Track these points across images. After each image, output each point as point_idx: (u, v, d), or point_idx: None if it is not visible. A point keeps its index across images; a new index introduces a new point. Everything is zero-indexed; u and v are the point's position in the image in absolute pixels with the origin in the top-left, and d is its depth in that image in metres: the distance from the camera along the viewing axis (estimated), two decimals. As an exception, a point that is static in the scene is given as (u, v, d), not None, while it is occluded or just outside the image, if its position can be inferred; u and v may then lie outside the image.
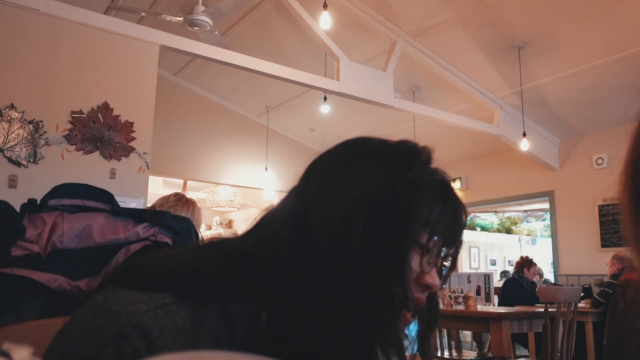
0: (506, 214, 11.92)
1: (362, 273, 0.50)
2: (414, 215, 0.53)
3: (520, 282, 4.87)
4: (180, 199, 1.99)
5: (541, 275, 6.29)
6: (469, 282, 4.34)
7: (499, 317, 3.38)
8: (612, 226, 5.46)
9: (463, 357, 4.01)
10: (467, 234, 10.71)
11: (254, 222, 0.60)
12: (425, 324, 0.61)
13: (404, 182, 0.54)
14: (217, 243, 0.58)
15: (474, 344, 4.83)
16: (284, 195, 0.61)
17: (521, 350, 5.48)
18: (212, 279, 0.52)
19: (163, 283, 0.50)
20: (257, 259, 0.53)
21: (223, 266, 0.53)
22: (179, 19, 3.69)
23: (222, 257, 0.55)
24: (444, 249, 0.59)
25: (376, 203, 0.52)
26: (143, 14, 4.43)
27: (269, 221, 0.58)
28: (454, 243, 0.59)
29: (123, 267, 0.54)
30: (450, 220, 0.57)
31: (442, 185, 0.57)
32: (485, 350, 4.24)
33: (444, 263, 0.60)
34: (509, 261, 11.35)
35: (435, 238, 0.56)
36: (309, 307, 0.50)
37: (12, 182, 2.81)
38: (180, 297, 0.49)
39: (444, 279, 0.60)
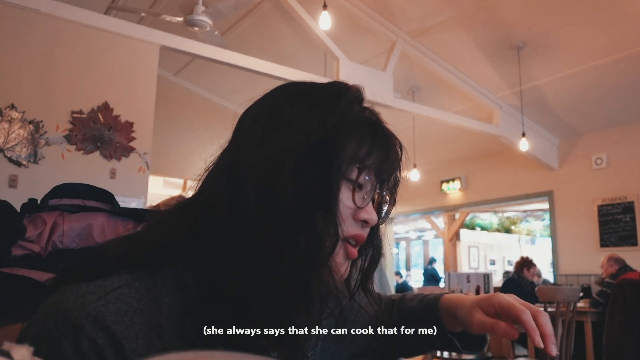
0: (505, 214, 11.92)
1: (291, 214, 0.50)
2: (341, 152, 0.53)
3: (519, 282, 4.88)
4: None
5: (539, 276, 6.30)
6: (469, 282, 4.35)
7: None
8: (611, 226, 5.46)
9: (463, 357, 4.02)
10: (466, 234, 10.72)
11: (201, 177, 0.60)
12: (367, 258, 0.61)
13: (330, 119, 0.54)
14: (166, 212, 0.58)
15: (474, 343, 4.82)
16: None
17: (521, 350, 5.48)
18: (158, 243, 0.52)
19: (111, 267, 0.49)
20: (197, 214, 0.54)
21: (167, 225, 0.54)
22: (179, 19, 3.69)
23: (167, 218, 0.56)
24: (382, 185, 0.59)
25: (304, 142, 0.52)
26: (143, 14, 4.44)
27: (208, 175, 0.59)
28: (389, 177, 0.59)
29: (69, 265, 0.52)
30: (381, 156, 0.56)
31: (369, 121, 0.57)
32: (485, 350, 4.24)
33: (383, 200, 0.60)
34: (508, 261, 11.36)
35: (366, 173, 0.55)
36: (245, 252, 0.50)
37: (13, 182, 2.82)
38: (131, 275, 0.49)
39: (386, 214, 0.60)
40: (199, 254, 0.52)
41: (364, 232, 0.57)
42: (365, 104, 0.61)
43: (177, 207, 0.58)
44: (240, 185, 0.52)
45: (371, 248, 0.61)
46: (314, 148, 0.52)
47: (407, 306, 0.75)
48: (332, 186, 0.52)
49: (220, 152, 0.60)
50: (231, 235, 0.51)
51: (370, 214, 0.56)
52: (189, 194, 0.60)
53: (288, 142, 0.52)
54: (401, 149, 0.59)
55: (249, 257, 0.50)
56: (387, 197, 0.60)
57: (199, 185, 0.59)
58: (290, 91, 0.59)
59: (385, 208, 0.61)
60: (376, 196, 0.59)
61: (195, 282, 0.51)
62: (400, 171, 0.60)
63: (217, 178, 0.56)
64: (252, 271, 0.50)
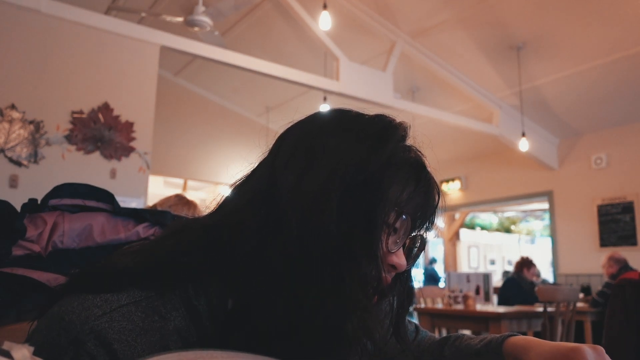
0: (505, 214, 11.92)
1: (335, 252, 0.48)
2: (385, 194, 0.51)
3: (519, 282, 4.88)
4: (181, 199, 2.01)
5: (538, 276, 6.31)
6: (468, 281, 4.35)
7: (498, 316, 3.39)
8: (611, 226, 5.46)
9: None
10: (466, 234, 10.72)
11: (223, 197, 0.57)
12: (399, 304, 0.59)
13: (377, 160, 0.52)
14: (184, 225, 0.55)
15: (474, 343, 4.82)
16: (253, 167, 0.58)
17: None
18: (173, 262, 0.50)
19: (120, 283, 0.48)
20: (222, 233, 0.51)
21: (186, 245, 0.52)
22: (179, 19, 3.70)
23: (185, 236, 0.53)
24: (415, 230, 0.57)
25: (350, 180, 0.50)
26: (143, 14, 4.44)
27: (237, 194, 0.55)
28: (424, 224, 0.57)
29: (80, 272, 0.50)
30: (421, 201, 0.55)
31: (414, 164, 0.55)
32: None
33: (414, 244, 0.58)
34: (508, 261, 11.36)
35: (404, 217, 0.53)
36: (276, 285, 0.48)
37: (13, 182, 2.82)
38: (140, 292, 0.47)
39: (413, 259, 0.58)
40: (213, 280, 0.50)
41: (389, 277, 0.55)
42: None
43: (195, 223, 0.55)
44: (276, 212, 0.50)
45: (403, 293, 0.59)
46: (359, 186, 0.50)
47: (466, 343, 0.71)
48: (376, 228, 0.50)
49: (252, 171, 0.57)
50: (258, 263, 0.49)
51: (400, 259, 0.55)
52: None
53: (333, 176, 0.50)
54: (439, 194, 0.57)
55: (280, 292, 0.48)
56: (418, 242, 0.58)
57: (223, 199, 0.56)
58: (332, 119, 0.57)
59: (415, 251, 0.58)
60: (407, 241, 0.57)
61: (207, 310, 0.50)
62: (435, 217, 0.58)
63: (249, 199, 0.52)
64: (282, 308, 0.47)
